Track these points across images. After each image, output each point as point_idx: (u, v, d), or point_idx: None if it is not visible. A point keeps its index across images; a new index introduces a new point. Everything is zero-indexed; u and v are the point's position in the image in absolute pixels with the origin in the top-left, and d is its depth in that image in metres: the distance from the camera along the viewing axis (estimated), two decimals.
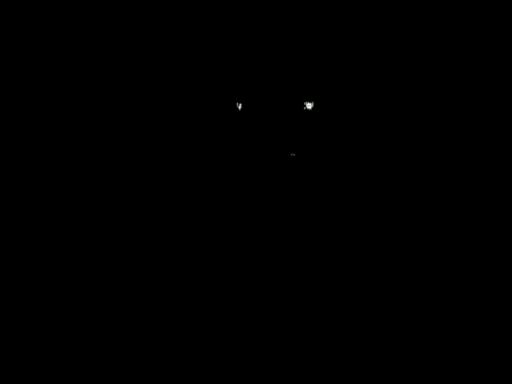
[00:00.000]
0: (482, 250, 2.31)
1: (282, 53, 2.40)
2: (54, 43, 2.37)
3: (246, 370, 2.22)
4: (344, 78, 2.41)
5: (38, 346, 2.28)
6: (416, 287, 2.35)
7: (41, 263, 2.35)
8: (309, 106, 2.44)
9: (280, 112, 2.45)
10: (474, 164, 2.33)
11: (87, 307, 2.34)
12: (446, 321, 2.30)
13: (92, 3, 2.35)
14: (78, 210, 2.38)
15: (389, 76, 2.38)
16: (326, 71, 2.41)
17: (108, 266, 2.38)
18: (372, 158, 2.41)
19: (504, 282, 2.29)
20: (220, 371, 2.21)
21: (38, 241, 2.36)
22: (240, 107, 2.45)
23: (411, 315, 2.33)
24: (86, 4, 2.35)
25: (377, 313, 2.35)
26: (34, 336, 2.29)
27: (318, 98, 2.44)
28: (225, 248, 2.45)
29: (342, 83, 2.41)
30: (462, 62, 2.33)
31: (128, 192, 2.40)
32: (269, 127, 2.46)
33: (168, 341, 2.31)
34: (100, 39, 2.37)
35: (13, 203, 2.35)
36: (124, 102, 2.40)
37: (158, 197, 2.41)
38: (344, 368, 2.21)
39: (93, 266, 2.37)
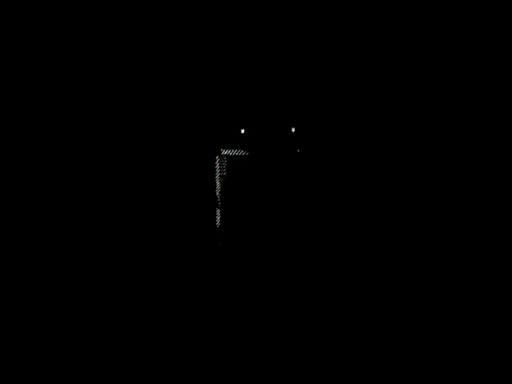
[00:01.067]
0: (482, 250, 2.31)
1: (282, 52, 2.40)
2: (53, 43, 2.37)
3: (245, 370, 2.21)
4: (344, 78, 2.40)
5: (38, 345, 2.28)
6: (416, 287, 2.35)
7: (39, 263, 2.35)
8: (308, 106, 2.43)
9: (280, 112, 2.45)
10: (474, 164, 2.33)
11: (83, 309, 2.34)
12: (446, 321, 2.30)
13: (92, 3, 2.35)
14: (75, 211, 2.38)
15: (389, 76, 2.38)
16: (326, 71, 2.41)
17: (106, 268, 2.38)
18: (372, 158, 2.41)
19: (504, 282, 2.28)
20: (219, 371, 2.21)
21: (36, 241, 2.36)
22: (239, 107, 2.44)
23: (411, 315, 2.33)
24: (86, 4, 2.35)
25: (377, 313, 2.34)
26: (33, 336, 2.29)
27: (318, 97, 2.43)
28: (224, 250, 2.45)
29: (341, 83, 2.41)
30: (462, 63, 2.33)
31: (126, 194, 2.40)
32: (268, 127, 2.45)
33: (165, 342, 2.31)
34: (100, 39, 2.37)
35: (13, 203, 2.35)
36: (124, 102, 2.40)
37: (156, 199, 2.41)
38: (344, 368, 2.21)
39: (90, 268, 2.37)
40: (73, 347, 2.28)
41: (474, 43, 2.32)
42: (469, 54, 2.33)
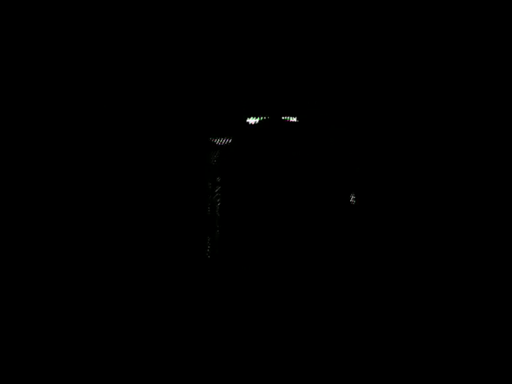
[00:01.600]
0: (482, 251, 2.31)
1: (282, 53, 2.40)
2: (53, 43, 2.37)
3: (243, 370, 2.20)
4: (344, 79, 2.41)
5: (38, 345, 2.26)
6: (416, 288, 2.35)
7: (38, 263, 2.34)
8: (308, 106, 2.43)
9: (279, 112, 2.45)
10: (476, 167, 2.33)
11: (79, 308, 2.33)
12: (446, 321, 2.30)
13: (92, 3, 2.36)
14: (70, 213, 2.37)
15: (389, 77, 2.38)
16: (327, 72, 2.41)
17: (102, 266, 2.37)
18: (372, 158, 2.41)
19: (504, 282, 2.28)
20: (217, 371, 2.20)
21: (35, 241, 2.35)
22: (239, 108, 2.44)
23: (412, 316, 2.32)
24: (86, 4, 2.36)
25: (377, 313, 2.34)
26: (33, 336, 2.28)
27: (318, 98, 2.44)
28: (220, 251, 2.44)
29: (342, 84, 2.41)
30: (463, 64, 2.34)
31: (123, 196, 2.39)
32: (268, 128, 2.45)
33: (159, 342, 2.30)
34: (100, 39, 2.38)
35: (12, 204, 2.34)
36: (123, 103, 2.40)
37: (155, 200, 2.40)
38: (344, 368, 2.20)
39: (86, 268, 2.36)
40: (69, 347, 2.27)
41: (474, 43, 2.33)
42: (469, 54, 2.34)
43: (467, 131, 2.35)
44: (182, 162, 2.41)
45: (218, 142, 2.45)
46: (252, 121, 2.45)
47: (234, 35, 2.38)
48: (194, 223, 2.42)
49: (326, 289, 2.40)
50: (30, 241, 2.35)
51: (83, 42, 2.38)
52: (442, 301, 2.33)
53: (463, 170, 2.35)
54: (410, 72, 2.38)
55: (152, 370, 2.20)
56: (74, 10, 2.37)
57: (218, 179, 2.44)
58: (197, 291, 2.40)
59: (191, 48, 2.40)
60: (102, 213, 2.37)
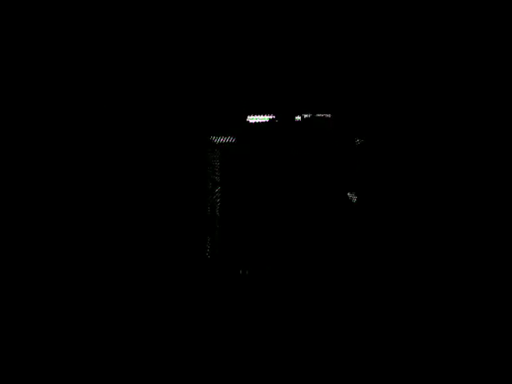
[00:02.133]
0: (482, 251, 2.31)
1: (283, 52, 2.39)
2: (53, 43, 2.36)
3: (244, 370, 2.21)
4: (345, 79, 2.39)
5: (38, 346, 2.27)
6: (417, 288, 2.35)
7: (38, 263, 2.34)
8: (309, 105, 2.42)
9: (280, 111, 2.44)
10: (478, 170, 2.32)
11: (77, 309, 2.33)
12: (447, 321, 2.30)
13: (92, 3, 2.34)
14: (69, 213, 2.37)
15: (389, 77, 2.37)
16: (327, 72, 2.40)
17: (103, 265, 2.37)
18: (373, 158, 2.40)
19: (504, 282, 2.28)
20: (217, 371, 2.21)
21: (35, 241, 2.35)
22: (240, 107, 2.43)
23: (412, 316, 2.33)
24: (85, 4, 2.34)
25: (377, 313, 2.34)
26: (33, 336, 2.29)
27: (319, 97, 2.42)
28: (219, 251, 2.44)
29: (343, 84, 2.40)
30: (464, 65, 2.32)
31: (123, 195, 2.39)
32: (269, 127, 2.44)
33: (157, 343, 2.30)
34: (100, 38, 2.36)
35: (13, 204, 2.34)
36: (123, 102, 2.39)
37: (154, 200, 2.40)
38: (344, 368, 2.21)
39: (87, 268, 2.36)
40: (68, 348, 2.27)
41: (474, 43, 2.31)
42: (468, 55, 2.32)
43: (466, 131, 2.34)
44: (183, 161, 2.41)
45: (218, 140, 2.44)
46: (253, 119, 2.44)
47: (234, 34, 2.36)
48: (194, 223, 2.42)
49: (325, 289, 2.40)
50: (29, 241, 2.35)
51: (83, 42, 2.37)
52: (442, 300, 2.33)
53: (462, 170, 2.34)
54: (409, 74, 2.36)
55: (152, 370, 2.21)
56: (74, 10, 2.35)
57: (218, 179, 2.43)
58: (197, 291, 2.40)
59: (192, 48, 2.38)
60: (101, 212, 2.37)
